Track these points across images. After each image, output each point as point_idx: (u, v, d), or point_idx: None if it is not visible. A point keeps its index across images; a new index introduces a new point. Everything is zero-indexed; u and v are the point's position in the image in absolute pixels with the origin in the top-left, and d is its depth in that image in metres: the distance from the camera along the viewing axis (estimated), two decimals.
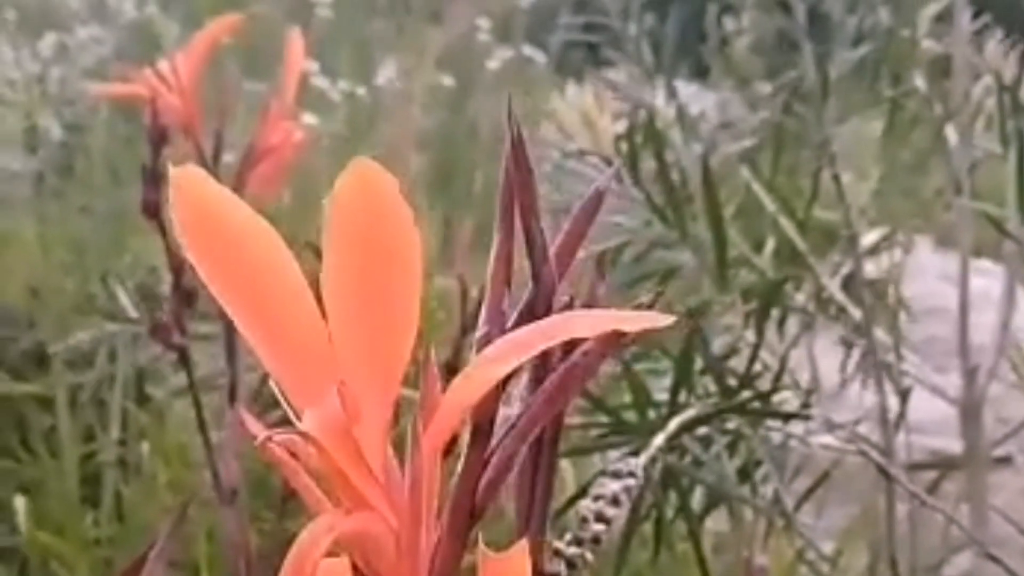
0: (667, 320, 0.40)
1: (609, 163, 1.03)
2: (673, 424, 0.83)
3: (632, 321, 0.40)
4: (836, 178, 1.09)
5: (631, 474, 0.62)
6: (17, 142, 2.76)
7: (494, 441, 0.43)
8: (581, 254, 0.47)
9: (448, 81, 3.12)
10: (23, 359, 1.76)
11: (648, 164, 1.02)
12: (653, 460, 0.80)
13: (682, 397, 0.86)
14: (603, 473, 0.62)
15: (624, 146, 1.02)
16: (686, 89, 1.78)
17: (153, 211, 1.04)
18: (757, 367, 0.93)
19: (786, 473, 0.98)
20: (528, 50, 3.33)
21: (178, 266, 1.03)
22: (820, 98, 1.14)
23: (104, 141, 2.67)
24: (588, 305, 0.50)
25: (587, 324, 0.40)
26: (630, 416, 0.84)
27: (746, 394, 0.88)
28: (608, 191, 0.47)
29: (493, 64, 3.27)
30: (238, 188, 1.13)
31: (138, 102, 1.14)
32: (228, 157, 1.18)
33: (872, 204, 1.25)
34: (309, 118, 2.70)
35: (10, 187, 2.43)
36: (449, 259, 1.55)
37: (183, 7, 3.37)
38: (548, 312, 0.45)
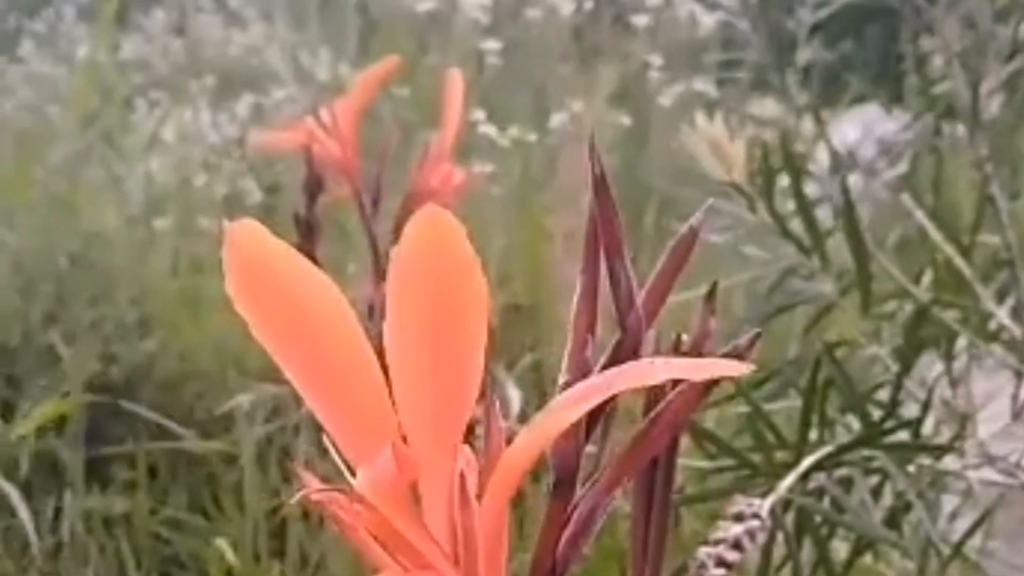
0: (743, 369, 0.37)
1: (742, 192, 1.00)
2: (805, 463, 0.78)
3: (705, 370, 0.38)
4: (991, 199, 1.04)
5: (755, 516, 0.59)
6: (217, 205, 2.82)
7: (577, 494, 0.42)
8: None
9: (621, 120, 3.09)
10: (211, 417, 1.79)
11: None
12: (786, 504, 0.76)
13: (815, 435, 0.82)
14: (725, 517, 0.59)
15: (759, 175, 0.98)
16: (877, 113, 1.73)
17: None
18: (910, 401, 0.88)
19: (940, 513, 0.92)
20: (701, 84, 3.28)
21: None
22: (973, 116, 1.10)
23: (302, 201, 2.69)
24: (697, 344, 0.47)
25: (657, 372, 0.38)
26: (756, 457, 0.80)
27: (887, 426, 0.83)
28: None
29: (665, 101, 3.23)
30: (397, 232, 1.12)
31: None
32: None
33: None
34: (481, 166, 2.69)
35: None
36: None
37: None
38: (635, 359, 0.43)
